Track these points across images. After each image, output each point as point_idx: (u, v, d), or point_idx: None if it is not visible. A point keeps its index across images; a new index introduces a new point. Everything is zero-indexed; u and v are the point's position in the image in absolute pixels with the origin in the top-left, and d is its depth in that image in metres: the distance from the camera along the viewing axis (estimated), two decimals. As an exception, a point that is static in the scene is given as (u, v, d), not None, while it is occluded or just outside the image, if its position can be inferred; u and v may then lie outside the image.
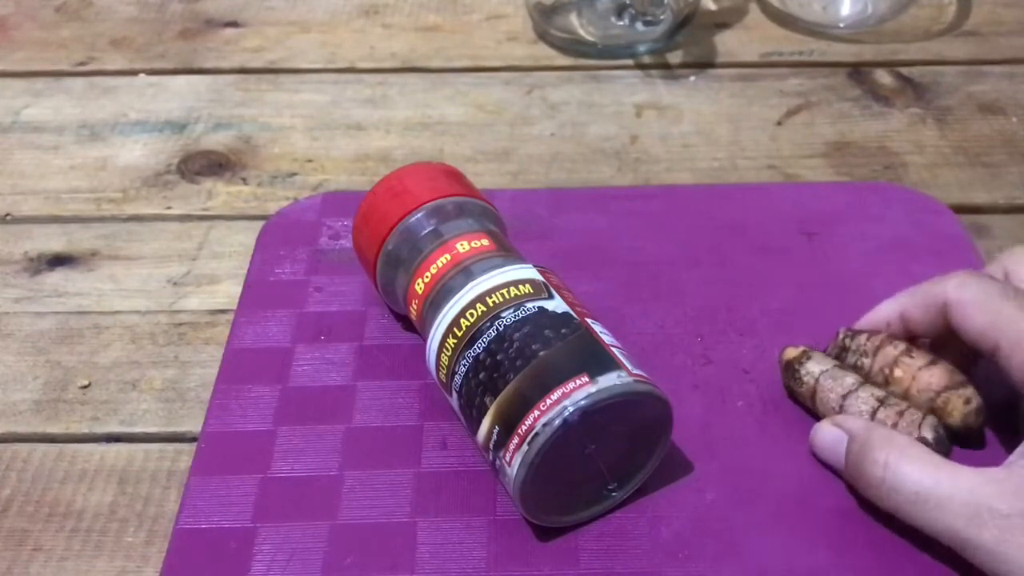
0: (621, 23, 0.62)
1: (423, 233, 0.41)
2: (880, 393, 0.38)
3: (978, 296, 0.36)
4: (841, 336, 0.40)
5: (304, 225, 0.49)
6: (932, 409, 0.37)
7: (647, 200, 0.50)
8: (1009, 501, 0.32)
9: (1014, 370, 0.34)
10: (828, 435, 0.37)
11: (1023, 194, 0.51)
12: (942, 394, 0.37)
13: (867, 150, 0.54)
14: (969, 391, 0.37)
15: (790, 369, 0.40)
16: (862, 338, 0.39)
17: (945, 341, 0.38)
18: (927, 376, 0.37)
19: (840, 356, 0.40)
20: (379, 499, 0.38)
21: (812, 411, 0.39)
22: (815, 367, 0.39)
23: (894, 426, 0.37)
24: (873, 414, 0.37)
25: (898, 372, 0.38)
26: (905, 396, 0.38)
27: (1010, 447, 0.36)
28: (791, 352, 0.40)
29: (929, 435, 0.36)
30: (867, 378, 0.39)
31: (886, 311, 0.40)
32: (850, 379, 0.38)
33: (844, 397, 0.38)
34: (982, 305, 0.36)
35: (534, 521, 0.36)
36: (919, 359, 0.38)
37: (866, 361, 0.39)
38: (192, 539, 0.37)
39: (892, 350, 0.38)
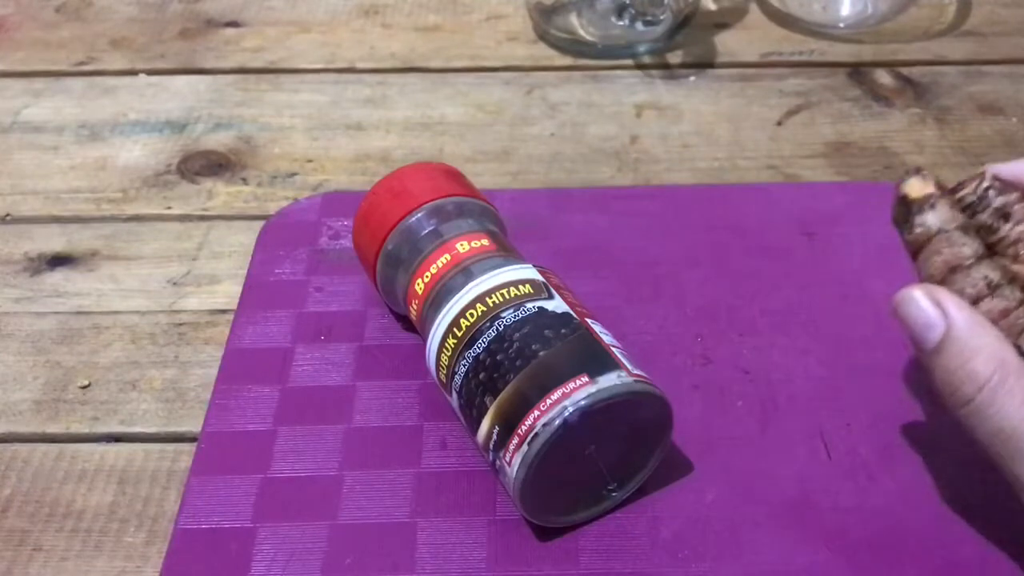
0: (621, 23, 0.62)
1: (423, 233, 0.41)
2: (995, 277, 0.32)
3: None
4: (985, 185, 0.34)
5: (304, 225, 0.49)
6: None
7: (647, 200, 0.50)
8: None
9: None
10: (924, 314, 0.32)
11: (1023, 194, 0.51)
12: None
13: (867, 150, 0.54)
14: None
15: (905, 208, 0.34)
16: (1012, 197, 0.33)
17: None
18: None
19: (973, 206, 0.34)
20: (379, 499, 0.38)
21: (911, 256, 0.34)
22: (935, 220, 0.33)
23: (992, 323, 0.32)
24: (977, 300, 0.32)
25: None
26: None
27: None
28: (915, 189, 0.34)
29: None
30: (995, 246, 0.33)
31: (1013, 170, 0.34)
32: (968, 250, 0.33)
33: (953, 270, 0.33)
34: None
35: (534, 521, 0.36)
36: None
37: (1005, 227, 0.33)
38: (192, 539, 0.37)
39: None
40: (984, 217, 0.33)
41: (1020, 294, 0.32)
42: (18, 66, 0.63)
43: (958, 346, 0.31)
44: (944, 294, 0.32)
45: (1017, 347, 0.31)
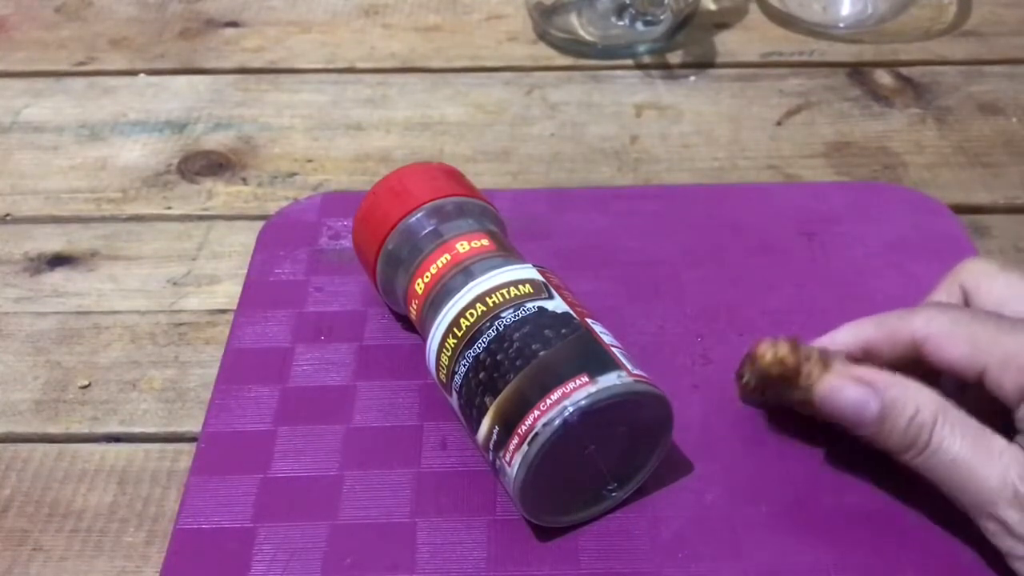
0: (621, 23, 0.62)
1: (423, 233, 0.41)
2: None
3: (951, 327, 0.35)
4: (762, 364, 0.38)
5: (304, 225, 0.49)
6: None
7: (647, 200, 0.50)
8: None
9: (1007, 387, 0.34)
10: (854, 394, 0.35)
11: (1023, 194, 0.51)
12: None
13: (867, 150, 0.54)
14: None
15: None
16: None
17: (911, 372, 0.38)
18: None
19: (763, 382, 0.39)
20: (379, 499, 0.38)
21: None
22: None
23: None
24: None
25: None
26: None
27: None
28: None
29: None
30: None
31: (847, 337, 0.38)
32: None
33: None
34: (957, 335, 0.35)
35: (534, 521, 0.36)
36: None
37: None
38: (192, 539, 0.37)
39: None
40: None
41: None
42: (18, 66, 0.63)
43: (899, 407, 0.34)
44: (860, 370, 0.36)
45: None
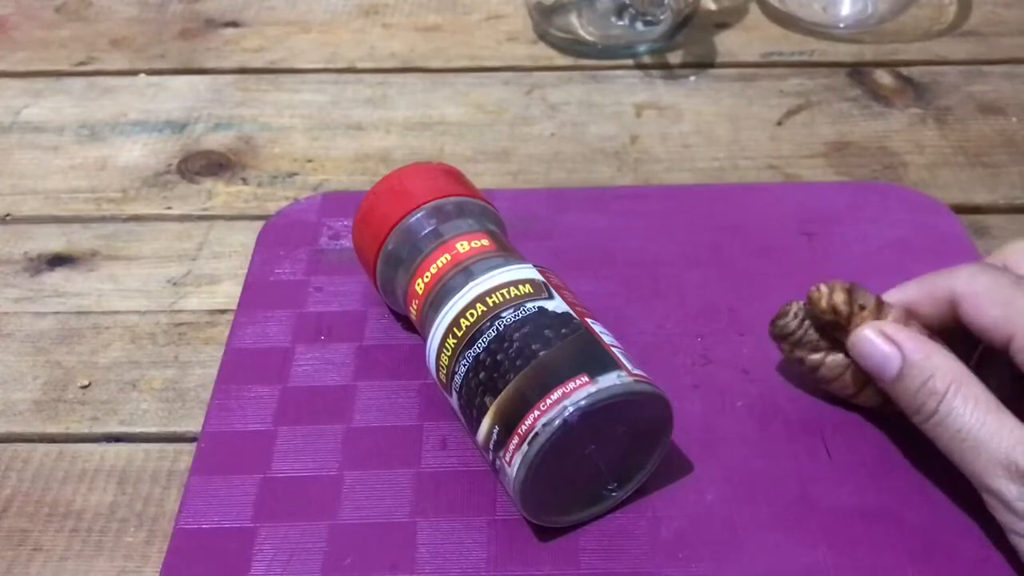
0: (621, 23, 0.62)
1: (423, 233, 0.41)
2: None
3: (990, 288, 0.36)
4: (794, 310, 0.39)
5: (304, 225, 0.49)
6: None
7: (647, 200, 0.50)
8: None
9: None
10: (879, 350, 0.36)
11: (1023, 194, 0.51)
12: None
13: (867, 150, 0.54)
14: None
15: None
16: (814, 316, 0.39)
17: (951, 334, 0.38)
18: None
19: (798, 329, 0.39)
20: (379, 499, 0.38)
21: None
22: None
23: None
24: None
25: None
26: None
27: None
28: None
29: None
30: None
31: (892, 300, 0.39)
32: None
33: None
34: (994, 296, 0.35)
35: (534, 521, 0.36)
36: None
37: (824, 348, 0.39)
38: (192, 539, 0.37)
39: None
40: (811, 334, 0.39)
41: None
42: (18, 66, 0.63)
43: (916, 370, 0.35)
44: (892, 328, 0.37)
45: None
